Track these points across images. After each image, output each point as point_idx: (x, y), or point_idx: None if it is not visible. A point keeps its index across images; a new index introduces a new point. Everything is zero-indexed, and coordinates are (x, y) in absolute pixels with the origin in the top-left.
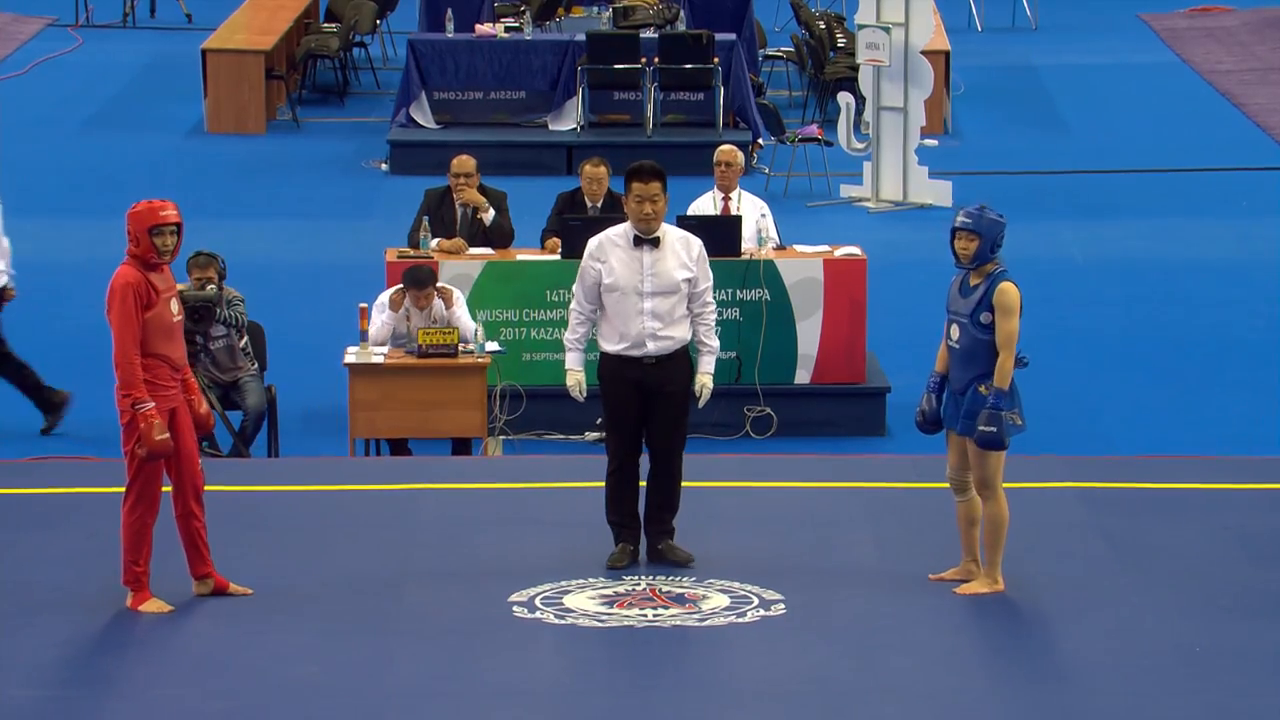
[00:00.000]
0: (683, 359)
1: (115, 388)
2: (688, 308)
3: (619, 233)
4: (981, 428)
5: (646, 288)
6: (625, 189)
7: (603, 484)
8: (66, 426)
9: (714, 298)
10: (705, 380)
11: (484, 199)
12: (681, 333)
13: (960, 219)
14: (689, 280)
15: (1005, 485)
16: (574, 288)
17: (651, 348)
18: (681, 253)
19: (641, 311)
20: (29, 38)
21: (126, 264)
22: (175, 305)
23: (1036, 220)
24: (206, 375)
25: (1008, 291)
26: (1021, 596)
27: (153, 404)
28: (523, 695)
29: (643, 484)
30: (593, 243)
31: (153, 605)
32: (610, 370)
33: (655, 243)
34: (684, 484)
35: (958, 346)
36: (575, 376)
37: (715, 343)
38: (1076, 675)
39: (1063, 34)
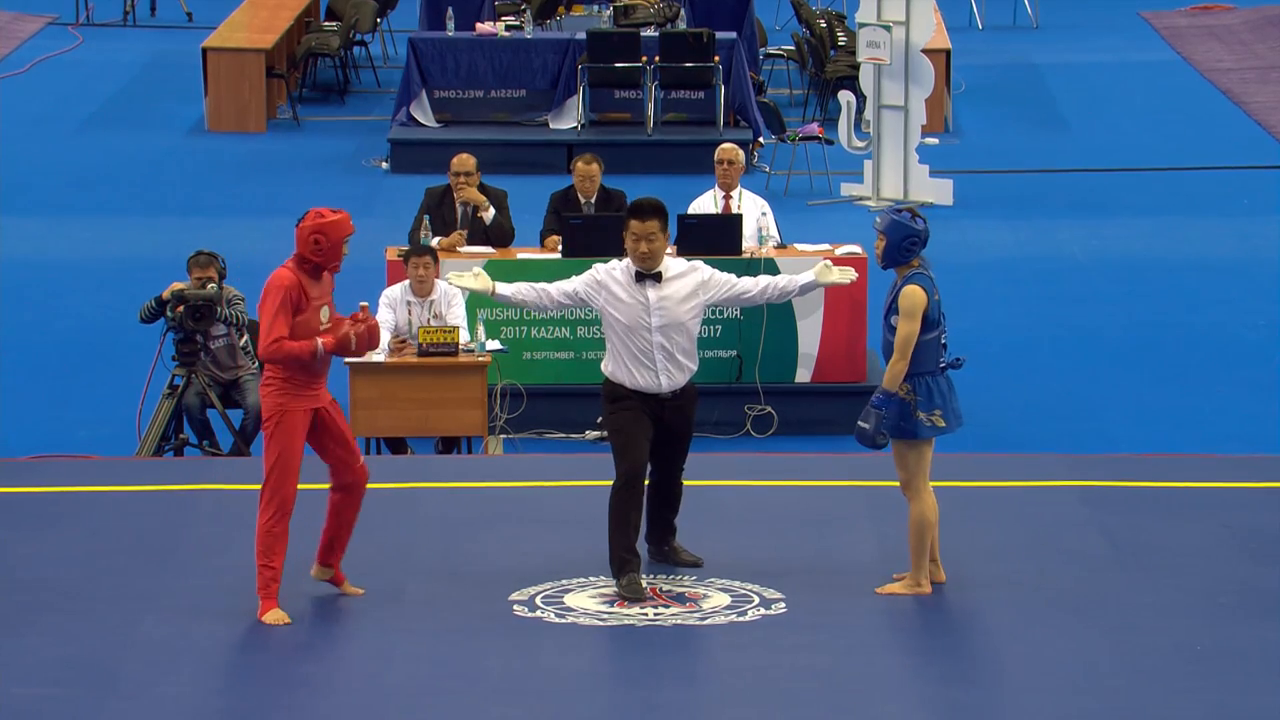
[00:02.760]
0: (691, 386)
1: (260, 385)
2: (741, 299)
3: (621, 269)
4: (859, 423)
5: (655, 322)
6: (624, 225)
7: (602, 482)
8: (68, 425)
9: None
10: (823, 265)
11: (484, 198)
12: (692, 363)
13: (876, 219)
14: (695, 313)
15: (1011, 484)
16: (569, 279)
17: (666, 383)
18: (687, 282)
19: (651, 346)
20: (29, 36)
21: (287, 266)
22: (326, 313)
23: (1037, 218)
24: (206, 374)
25: (909, 294)
26: (1022, 595)
27: (319, 341)
28: (523, 695)
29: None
30: (597, 272)
31: (274, 616)
32: (623, 401)
33: (657, 278)
34: (686, 482)
35: (883, 348)
36: (486, 282)
37: (788, 277)
38: (1077, 674)
39: (1064, 32)
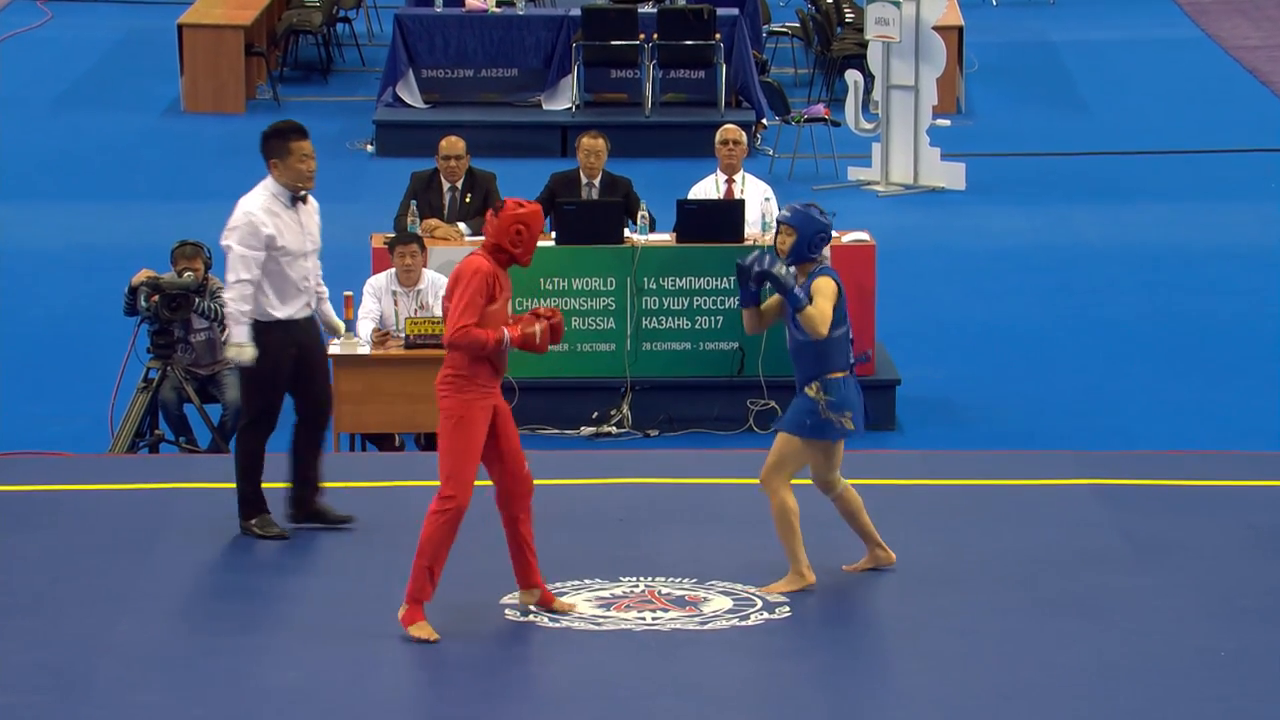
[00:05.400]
0: None
1: (438, 379)
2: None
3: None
4: (753, 263)
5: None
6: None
7: (600, 480)
8: (36, 420)
9: (714, 285)
10: None
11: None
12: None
13: (782, 212)
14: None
15: (1023, 482)
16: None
17: (311, 308)
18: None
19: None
20: None
21: (481, 255)
22: (509, 308)
23: (1053, 203)
24: (183, 368)
25: (821, 281)
26: (1036, 597)
27: (506, 331)
28: (514, 702)
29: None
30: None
31: (422, 630)
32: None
33: (304, 199)
34: (686, 481)
35: (790, 346)
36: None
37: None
38: (1094, 678)
39: (1081, 8)
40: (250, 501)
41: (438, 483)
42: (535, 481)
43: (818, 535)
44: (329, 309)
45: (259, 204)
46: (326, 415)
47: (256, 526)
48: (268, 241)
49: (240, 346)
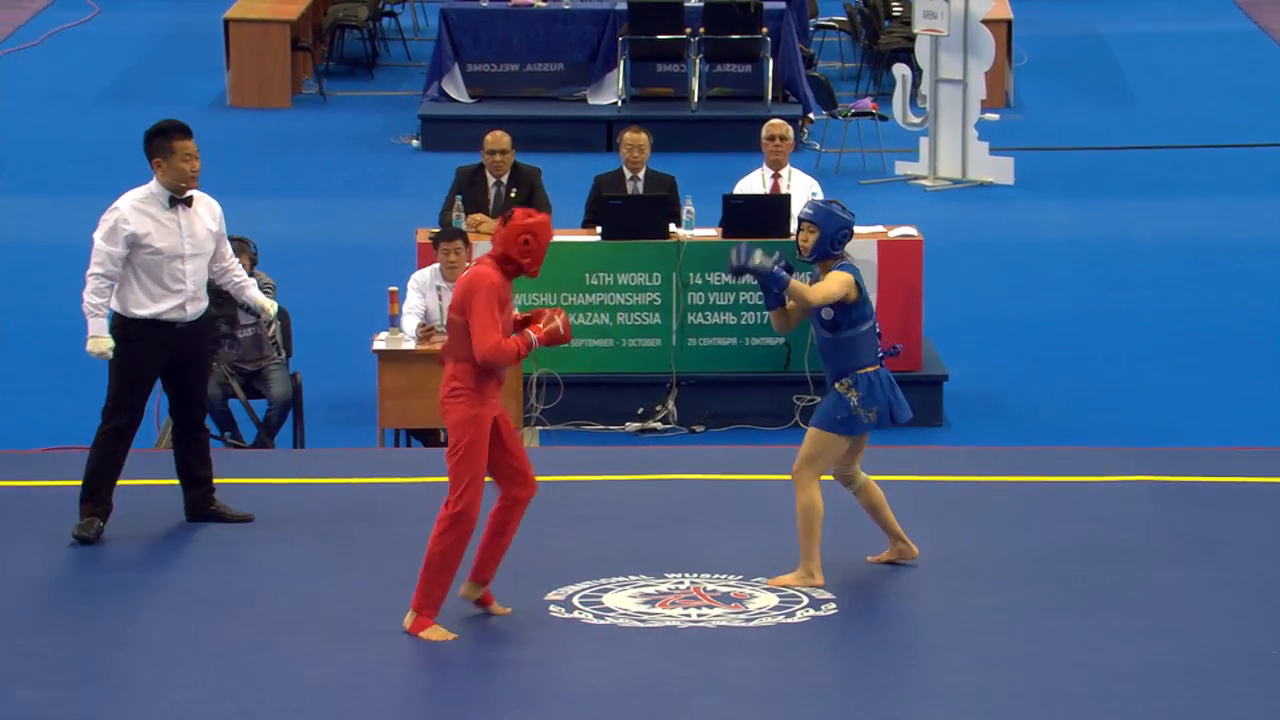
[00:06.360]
0: None
1: (445, 395)
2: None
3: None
4: (751, 255)
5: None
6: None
7: (645, 476)
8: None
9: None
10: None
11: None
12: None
13: (804, 209)
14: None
15: (1072, 479)
16: None
17: (190, 311)
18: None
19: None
20: (43, 6)
21: (489, 266)
22: (511, 318)
23: (1102, 198)
24: (230, 364)
25: (838, 274)
26: (1084, 593)
27: (532, 334)
28: (558, 699)
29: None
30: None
31: (435, 633)
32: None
33: (188, 202)
34: (732, 476)
35: (819, 344)
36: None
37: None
38: (1139, 676)
39: (1132, 1)
40: (84, 497)
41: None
42: (581, 478)
43: (871, 530)
44: (255, 293)
45: (130, 202)
46: (198, 417)
47: (78, 527)
48: (130, 240)
49: (95, 339)
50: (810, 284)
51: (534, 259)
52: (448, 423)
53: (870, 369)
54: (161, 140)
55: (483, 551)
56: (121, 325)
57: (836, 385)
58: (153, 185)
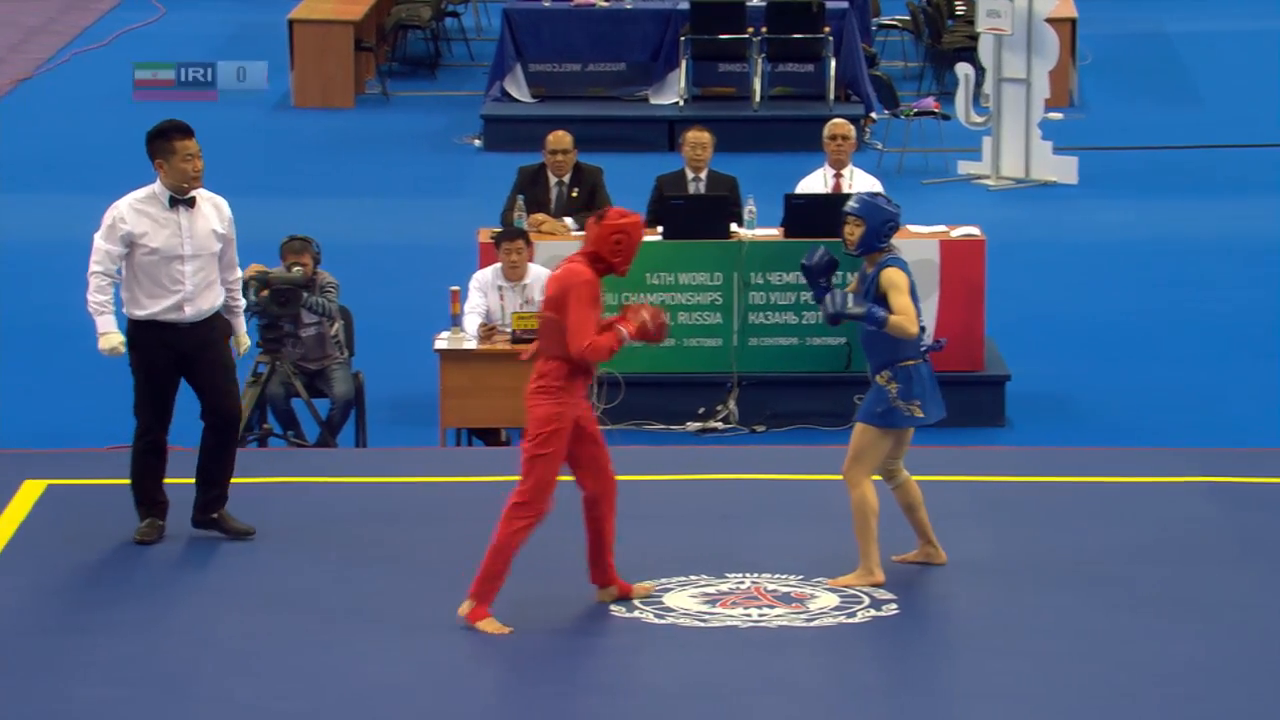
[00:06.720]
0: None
1: (531, 388)
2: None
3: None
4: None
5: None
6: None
7: (706, 476)
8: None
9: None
10: None
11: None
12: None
13: (850, 204)
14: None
15: (1134, 480)
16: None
17: (189, 312)
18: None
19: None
20: (110, 8)
21: (582, 263)
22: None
23: (1166, 198)
24: (293, 363)
25: (891, 273)
26: (1143, 595)
27: (624, 329)
28: (620, 698)
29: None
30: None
31: (490, 625)
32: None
33: (190, 203)
34: (792, 476)
35: (861, 337)
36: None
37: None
38: (1193, 678)
39: None
40: (137, 501)
41: None
42: (641, 477)
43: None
44: (238, 321)
45: (129, 201)
46: (228, 422)
47: (139, 531)
48: (127, 239)
49: (104, 336)
50: (857, 281)
51: (624, 258)
52: (531, 417)
53: (912, 362)
54: (162, 141)
55: (590, 558)
56: (129, 327)
57: (877, 378)
58: (155, 185)
